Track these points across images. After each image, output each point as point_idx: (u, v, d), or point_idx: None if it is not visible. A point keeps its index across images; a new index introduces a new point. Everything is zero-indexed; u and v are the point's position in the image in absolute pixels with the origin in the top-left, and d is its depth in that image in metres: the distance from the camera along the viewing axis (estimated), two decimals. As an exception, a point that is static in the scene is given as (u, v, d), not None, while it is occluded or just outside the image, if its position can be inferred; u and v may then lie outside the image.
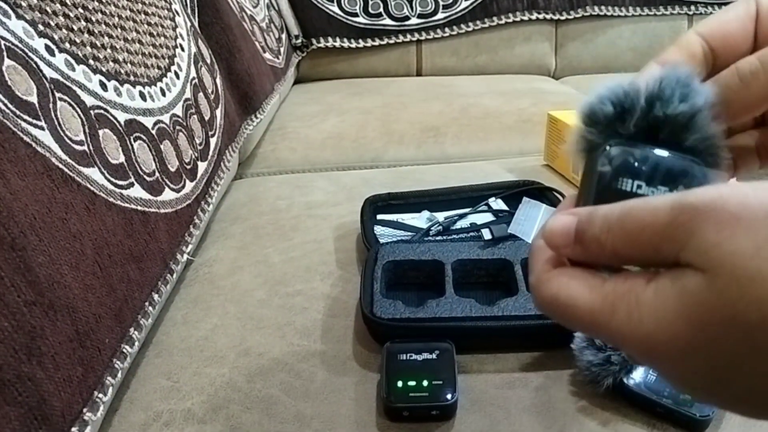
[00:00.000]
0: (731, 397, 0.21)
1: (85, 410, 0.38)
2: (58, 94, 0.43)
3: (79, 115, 0.45)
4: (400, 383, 0.43)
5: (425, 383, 0.43)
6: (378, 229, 0.66)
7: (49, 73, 0.43)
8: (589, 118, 0.27)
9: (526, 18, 1.54)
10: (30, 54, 0.42)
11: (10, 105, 0.38)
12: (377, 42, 1.50)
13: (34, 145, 0.39)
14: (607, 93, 0.26)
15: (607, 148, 0.26)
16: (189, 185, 0.62)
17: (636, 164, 0.25)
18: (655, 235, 0.22)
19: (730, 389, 0.21)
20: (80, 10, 0.50)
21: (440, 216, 0.69)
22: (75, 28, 0.49)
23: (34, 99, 0.40)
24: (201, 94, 0.74)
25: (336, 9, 1.46)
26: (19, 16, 0.42)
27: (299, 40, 1.46)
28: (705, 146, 0.25)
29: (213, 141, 0.74)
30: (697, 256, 0.20)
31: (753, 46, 0.29)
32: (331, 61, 1.52)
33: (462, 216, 0.68)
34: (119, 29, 0.57)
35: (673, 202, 0.21)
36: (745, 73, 0.27)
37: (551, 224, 0.25)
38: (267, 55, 1.14)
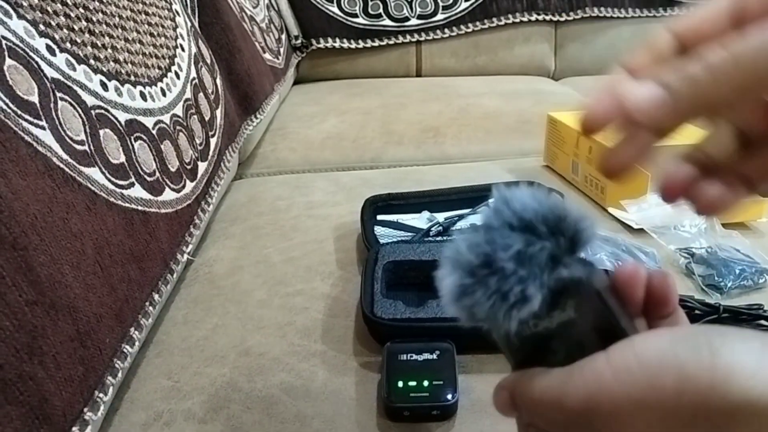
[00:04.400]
0: None
1: (85, 410, 0.38)
2: (59, 94, 0.43)
3: (80, 114, 0.45)
4: (400, 383, 0.43)
5: (426, 383, 0.43)
6: (378, 230, 0.66)
7: (50, 72, 0.43)
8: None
9: (525, 19, 1.54)
10: (31, 54, 0.42)
11: (11, 105, 0.38)
12: (377, 43, 1.50)
13: (35, 144, 0.39)
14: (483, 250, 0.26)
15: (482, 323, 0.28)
16: (189, 185, 0.62)
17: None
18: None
19: None
20: (81, 10, 0.50)
21: (440, 216, 0.69)
22: (76, 28, 0.49)
23: (35, 99, 0.40)
24: (201, 95, 0.74)
25: (336, 9, 1.46)
26: (20, 16, 0.42)
27: (299, 41, 1.46)
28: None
29: (213, 141, 0.74)
30: None
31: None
32: (330, 61, 1.52)
33: (462, 216, 0.68)
34: (120, 29, 0.57)
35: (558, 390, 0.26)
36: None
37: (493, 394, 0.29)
38: (267, 56, 1.14)
